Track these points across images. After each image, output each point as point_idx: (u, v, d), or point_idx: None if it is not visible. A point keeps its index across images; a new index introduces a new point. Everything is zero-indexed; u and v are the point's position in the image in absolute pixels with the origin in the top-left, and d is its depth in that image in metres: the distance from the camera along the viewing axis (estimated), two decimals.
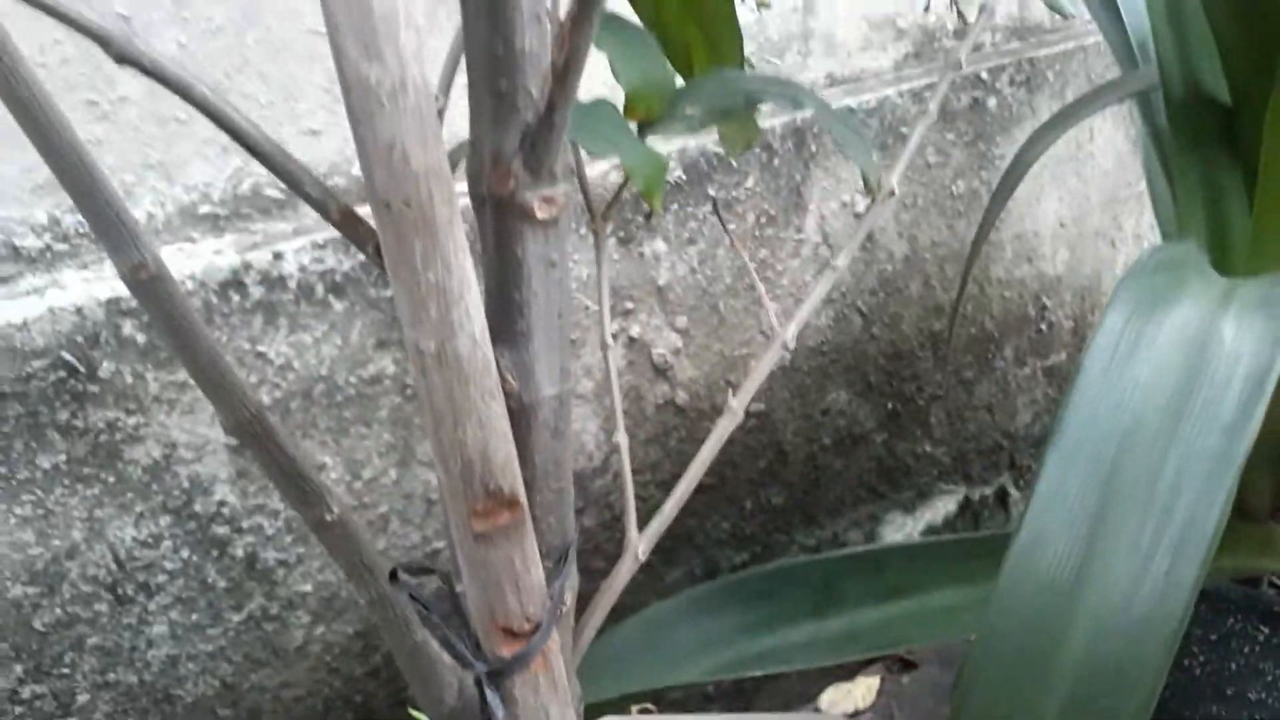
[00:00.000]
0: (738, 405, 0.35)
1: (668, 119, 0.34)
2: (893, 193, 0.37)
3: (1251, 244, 0.62)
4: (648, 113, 0.35)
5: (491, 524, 0.26)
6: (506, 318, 0.28)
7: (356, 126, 0.24)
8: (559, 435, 0.30)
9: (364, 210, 0.30)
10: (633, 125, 0.35)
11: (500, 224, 0.27)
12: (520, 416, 0.29)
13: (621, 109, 0.35)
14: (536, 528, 0.29)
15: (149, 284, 0.29)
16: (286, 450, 0.31)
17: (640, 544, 0.35)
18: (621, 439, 0.37)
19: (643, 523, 0.40)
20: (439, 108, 0.35)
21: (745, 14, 0.87)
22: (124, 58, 0.25)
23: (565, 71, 0.25)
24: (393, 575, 0.31)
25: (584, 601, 0.42)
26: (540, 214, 0.27)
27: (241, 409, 0.30)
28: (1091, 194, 1.08)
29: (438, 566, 0.67)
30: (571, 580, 0.30)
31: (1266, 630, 0.70)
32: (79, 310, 0.60)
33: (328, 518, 0.31)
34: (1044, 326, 1.09)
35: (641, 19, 0.43)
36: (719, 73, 0.37)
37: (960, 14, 0.82)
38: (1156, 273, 0.37)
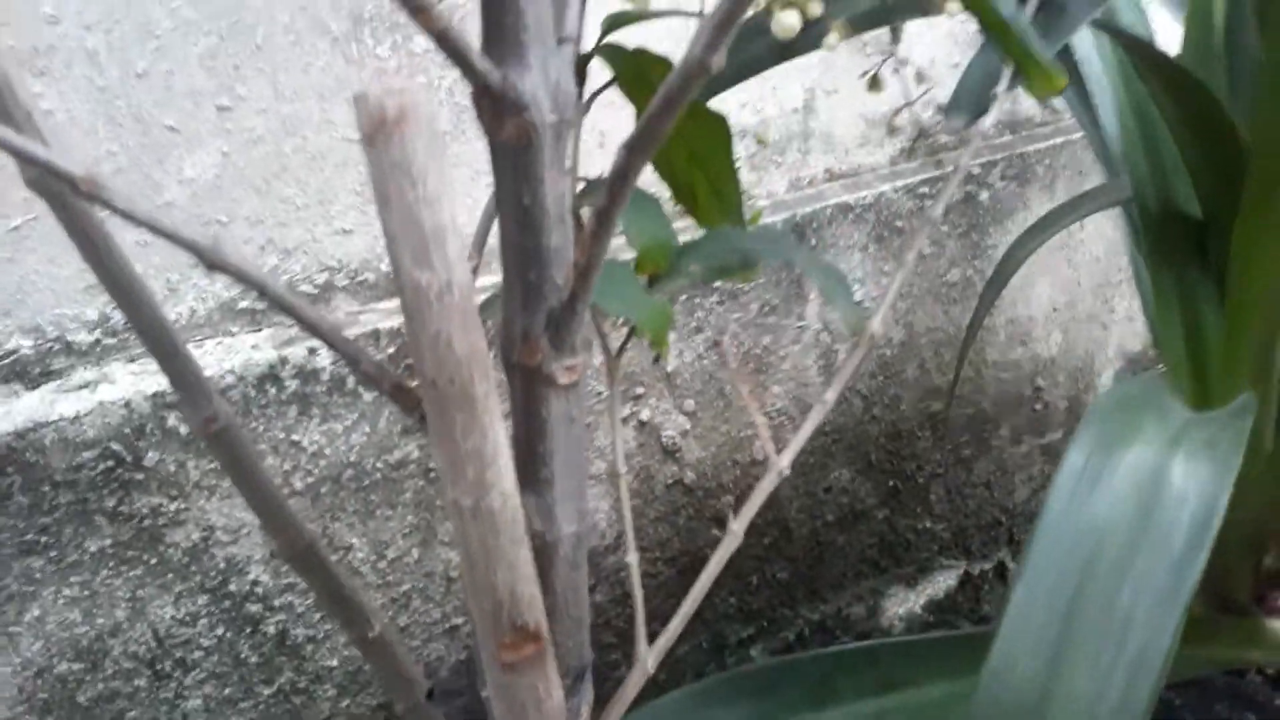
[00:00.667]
0: (738, 528, 0.39)
1: (673, 274, 0.39)
2: (874, 337, 0.41)
3: (1224, 353, 0.66)
4: (655, 268, 0.39)
5: (518, 655, 0.30)
6: (532, 467, 0.32)
7: (409, 319, 0.29)
8: (576, 567, 0.34)
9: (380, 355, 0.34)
10: (642, 279, 0.39)
11: (528, 388, 0.32)
12: (543, 552, 0.33)
13: (633, 263, 0.40)
14: (556, 651, 0.32)
15: (218, 434, 0.33)
16: (336, 576, 0.35)
17: (649, 658, 0.38)
18: (632, 559, 0.41)
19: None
20: (473, 265, 0.40)
21: (750, 115, 0.93)
22: (215, 265, 0.30)
23: (586, 270, 0.29)
24: (429, 694, 0.35)
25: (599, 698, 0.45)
26: (562, 380, 0.31)
27: (298, 540, 0.35)
28: (1083, 279, 1.12)
29: (467, 686, 0.71)
30: (587, 697, 0.34)
31: (1254, 718, 0.73)
32: (127, 404, 0.65)
33: (370, 635, 0.35)
34: (1039, 406, 1.12)
35: (655, 166, 0.48)
36: (718, 232, 0.42)
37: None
38: (1115, 412, 0.40)
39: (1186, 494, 0.35)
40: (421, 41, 0.76)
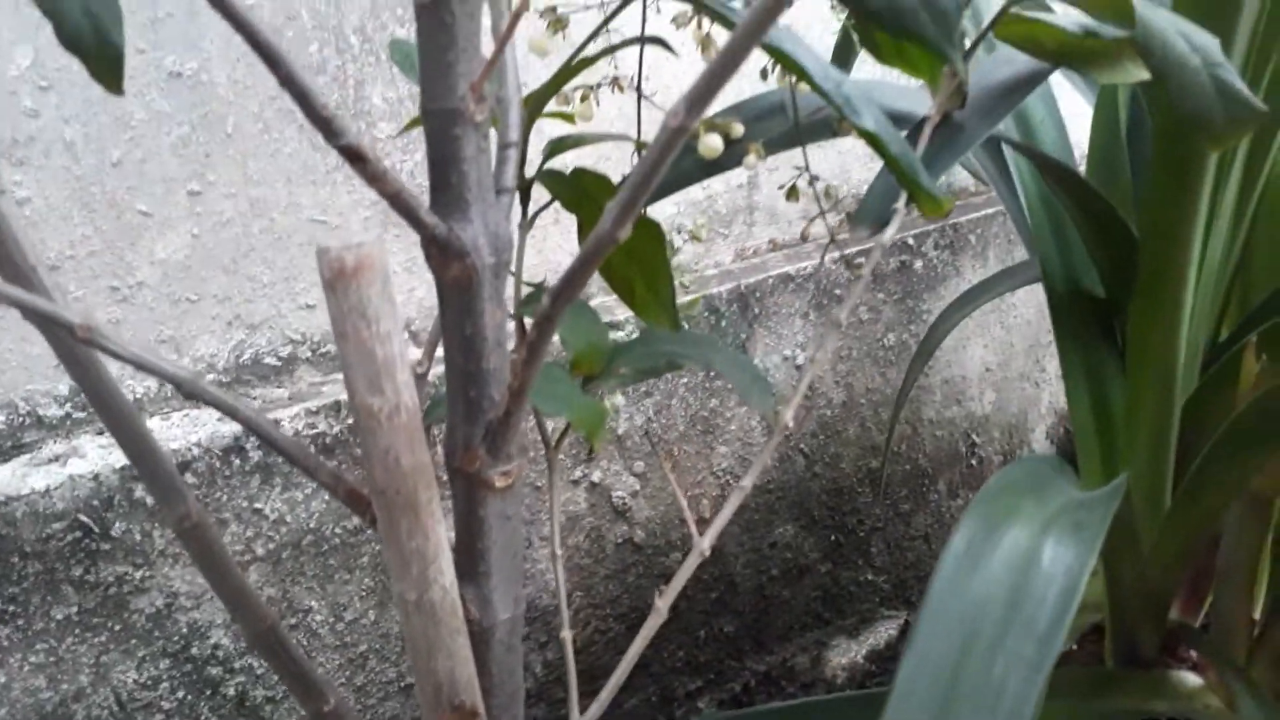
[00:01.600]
0: (663, 605, 0.43)
1: (606, 375, 0.43)
2: (788, 427, 0.45)
3: (1127, 420, 0.71)
4: (590, 370, 0.44)
5: None
6: (471, 561, 0.36)
7: (363, 437, 0.33)
8: (511, 649, 0.37)
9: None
10: (577, 379, 0.44)
11: (468, 492, 0.36)
12: (481, 637, 0.36)
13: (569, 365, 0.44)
14: None
15: (191, 530, 0.37)
16: (295, 657, 0.38)
17: None
18: (566, 635, 0.45)
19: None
20: (423, 371, 0.44)
21: (698, 190, 0.98)
22: (193, 394, 0.34)
23: (519, 391, 0.34)
24: None
25: None
26: (499, 484, 0.36)
27: (260, 623, 0.38)
28: (1015, 340, 1.18)
29: None
30: None
31: None
32: (96, 477, 0.68)
33: (326, 709, 0.39)
34: (974, 461, 1.18)
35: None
36: (648, 335, 0.46)
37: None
38: (999, 496, 0.45)
39: (1054, 575, 0.40)
40: (385, 128, 0.81)
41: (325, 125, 0.29)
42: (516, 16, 0.29)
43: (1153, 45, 0.44)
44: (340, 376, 0.81)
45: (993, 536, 0.42)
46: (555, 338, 0.33)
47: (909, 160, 0.42)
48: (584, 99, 0.48)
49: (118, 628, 0.69)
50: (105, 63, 0.29)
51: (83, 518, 0.67)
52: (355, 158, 0.30)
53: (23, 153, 0.67)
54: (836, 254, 1.01)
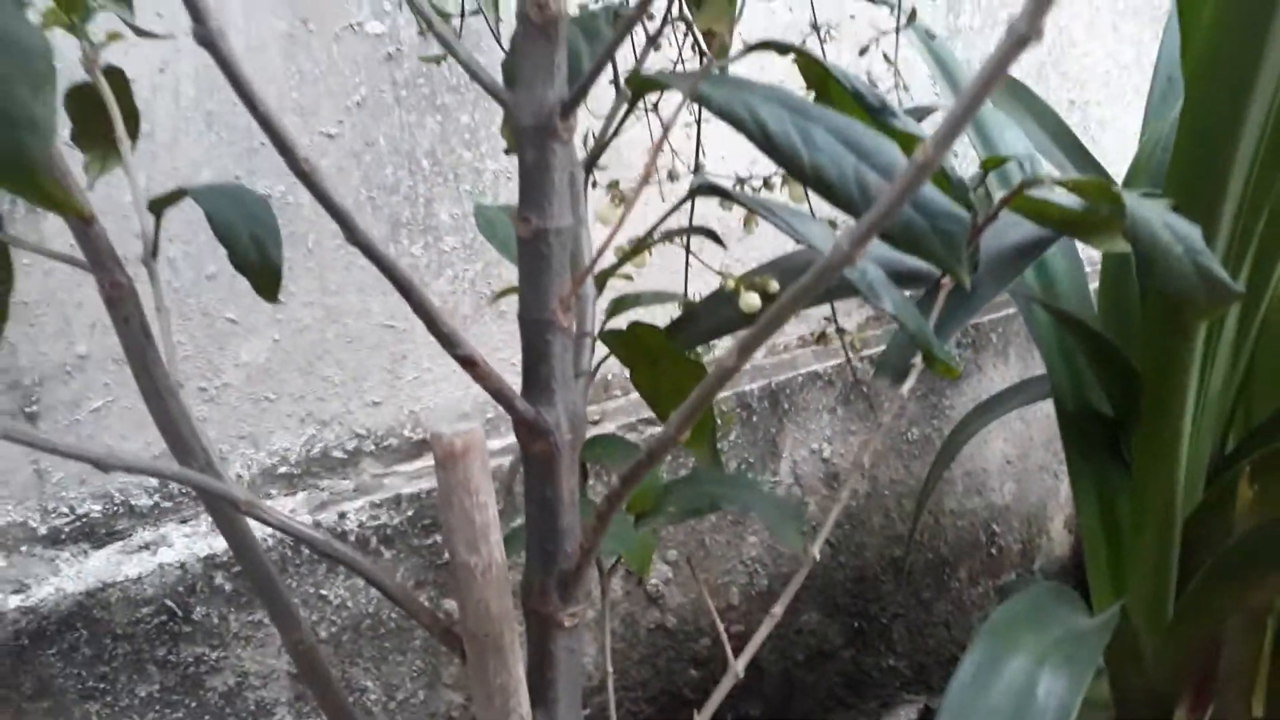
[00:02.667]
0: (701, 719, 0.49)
1: (656, 512, 0.49)
2: (815, 558, 0.51)
3: (1133, 533, 0.76)
4: (642, 508, 0.50)
5: None
6: (542, 688, 0.42)
7: (459, 589, 0.39)
8: None
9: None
10: (630, 517, 0.50)
11: (541, 628, 0.42)
12: None
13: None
14: None
15: (304, 652, 0.43)
16: None
17: None
18: None
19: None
20: (500, 509, 0.50)
21: None
22: (327, 554, 0.40)
23: (589, 551, 0.40)
24: None
25: None
26: (567, 624, 0.42)
27: None
28: (1034, 434, 1.23)
29: None
30: None
31: None
32: (183, 565, 0.74)
33: None
34: (994, 550, 1.22)
35: (643, 395, 0.59)
36: (695, 475, 0.52)
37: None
38: (1004, 628, 0.51)
39: (1047, 706, 0.45)
40: (450, 241, 0.88)
41: (446, 339, 0.36)
42: (593, 265, 0.36)
43: (1140, 233, 0.51)
44: (399, 469, 0.88)
45: (996, 666, 0.48)
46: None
47: (924, 334, 0.48)
48: (639, 263, 0.55)
49: (194, 704, 0.75)
50: (267, 278, 0.36)
51: (169, 602, 0.74)
52: (469, 363, 0.36)
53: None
54: (865, 353, 1.07)
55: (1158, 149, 0.82)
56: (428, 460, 0.89)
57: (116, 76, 0.43)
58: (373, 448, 0.87)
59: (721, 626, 0.50)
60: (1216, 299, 0.50)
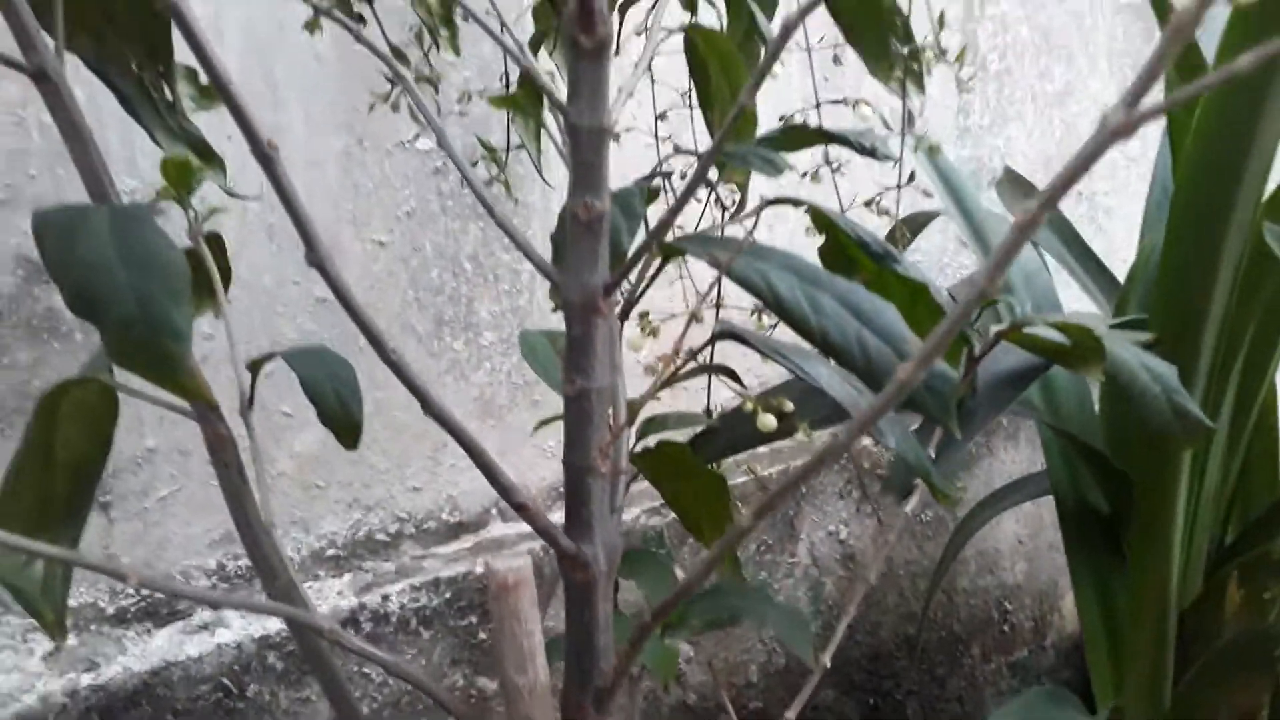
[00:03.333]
0: None
1: (681, 625, 0.55)
2: (827, 666, 0.56)
3: (1132, 623, 0.80)
4: (668, 621, 0.55)
5: None
6: None
7: (508, 704, 0.44)
8: None
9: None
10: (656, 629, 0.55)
11: None
12: None
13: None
14: None
15: None
16: None
17: None
18: None
19: None
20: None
21: (751, 379, 1.10)
22: (334, 639, 0.45)
23: (623, 670, 0.45)
24: None
25: None
26: None
27: None
28: (1045, 515, 1.27)
29: None
30: None
31: None
32: (239, 645, 0.80)
33: None
34: (1006, 628, 1.26)
35: (668, 503, 0.64)
36: (715, 588, 0.58)
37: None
38: None
39: None
40: (489, 336, 0.94)
41: (504, 490, 0.42)
42: (631, 419, 0.42)
43: (1120, 371, 0.56)
44: (437, 550, 0.94)
45: None
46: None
47: (924, 466, 0.54)
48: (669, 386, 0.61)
49: None
50: (349, 429, 0.42)
51: (225, 680, 0.79)
52: (522, 509, 0.42)
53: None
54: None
55: (1153, 257, 0.88)
56: (464, 542, 0.95)
57: (215, 241, 0.49)
58: (413, 530, 0.92)
59: (731, 709, 0.55)
60: (1191, 435, 0.55)
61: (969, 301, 0.32)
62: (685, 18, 0.66)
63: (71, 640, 0.76)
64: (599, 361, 0.43)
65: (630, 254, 0.45)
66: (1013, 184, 1.09)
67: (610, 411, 0.51)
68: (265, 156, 0.38)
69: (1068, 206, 1.09)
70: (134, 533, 0.80)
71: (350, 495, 0.89)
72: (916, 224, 0.93)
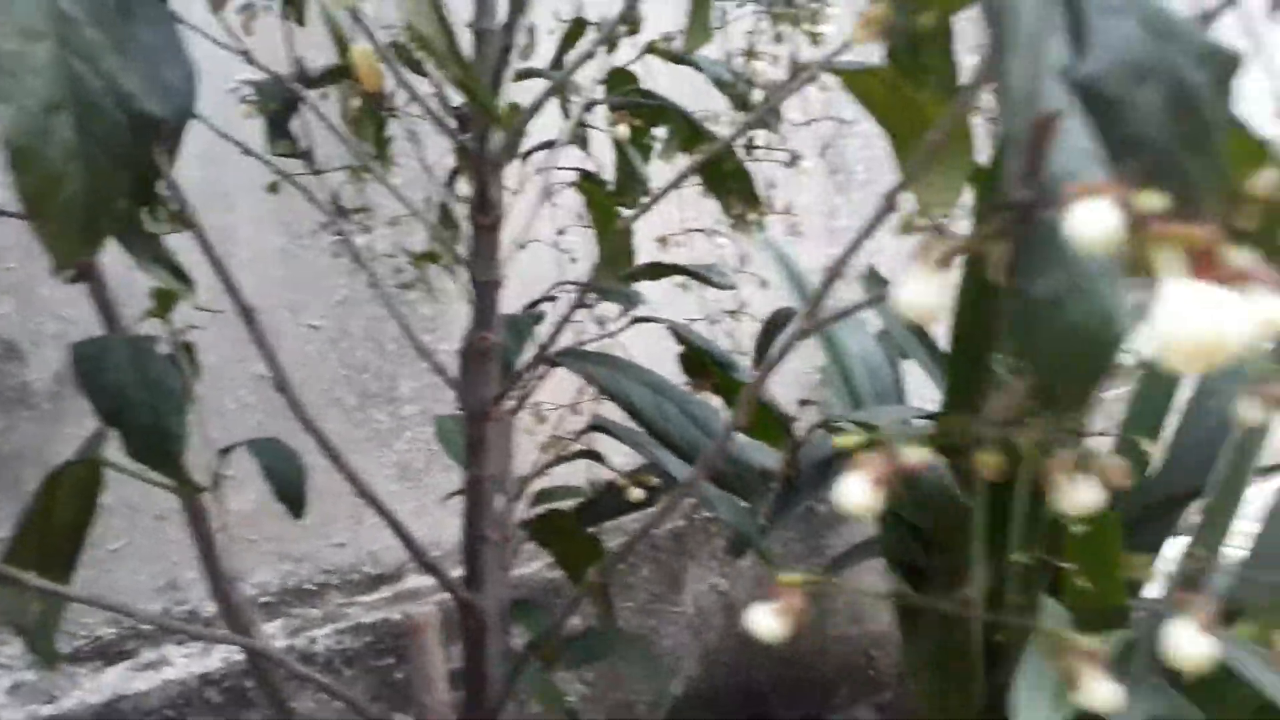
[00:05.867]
0: None
1: (556, 662, 0.68)
2: (676, 695, 0.70)
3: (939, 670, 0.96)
4: (549, 658, 0.69)
5: None
6: None
7: (416, 710, 0.57)
8: None
9: None
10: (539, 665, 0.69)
11: None
12: None
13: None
14: None
15: None
16: None
17: None
18: None
19: None
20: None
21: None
22: (282, 664, 0.58)
23: (504, 695, 0.58)
24: None
25: None
26: None
27: None
28: None
29: None
30: None
31: None
32: (182, 682, 0.91)
33: None
34: (872, 672, 1.41)
35: (554, 557, 0.78)
36: (590, 631, 0.72)
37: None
38: None
39: None
40: (409, 409, 1.07)
41: (428, 566, 0.55)
42: (513, 507, 0.56)
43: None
44: (359, 599, 1.05)
45: None
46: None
47: (751, 535, 0.69)
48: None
49: None
50: (298, 505, 0.55)
51: (169, 713, 0.90)
52: (437, 573, 0.56)
53: None
54: None
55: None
56: (384, 592, 1.07)
57: (188, 348, 0.63)
58: (338, 581, 1.04)
59: None
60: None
61: (769, 362, 0.47)
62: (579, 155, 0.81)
63: (31, 676, 0.86)
64: (492, 454, 0.57)
65: (518, 369, 0.60)
66: (872, 280, 1.27)
67: (505, 486, 0.65)
68: (246, 311, 0.52)
69: None
70: (89, 579, 0.90)
71: (281, 549, 1.01)
72: (781, 319, 1.09)
